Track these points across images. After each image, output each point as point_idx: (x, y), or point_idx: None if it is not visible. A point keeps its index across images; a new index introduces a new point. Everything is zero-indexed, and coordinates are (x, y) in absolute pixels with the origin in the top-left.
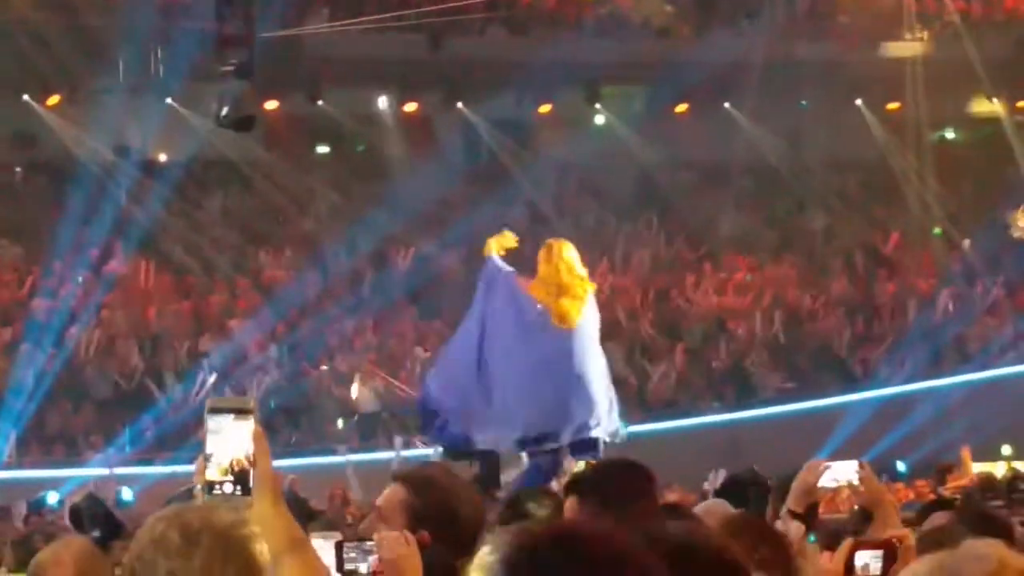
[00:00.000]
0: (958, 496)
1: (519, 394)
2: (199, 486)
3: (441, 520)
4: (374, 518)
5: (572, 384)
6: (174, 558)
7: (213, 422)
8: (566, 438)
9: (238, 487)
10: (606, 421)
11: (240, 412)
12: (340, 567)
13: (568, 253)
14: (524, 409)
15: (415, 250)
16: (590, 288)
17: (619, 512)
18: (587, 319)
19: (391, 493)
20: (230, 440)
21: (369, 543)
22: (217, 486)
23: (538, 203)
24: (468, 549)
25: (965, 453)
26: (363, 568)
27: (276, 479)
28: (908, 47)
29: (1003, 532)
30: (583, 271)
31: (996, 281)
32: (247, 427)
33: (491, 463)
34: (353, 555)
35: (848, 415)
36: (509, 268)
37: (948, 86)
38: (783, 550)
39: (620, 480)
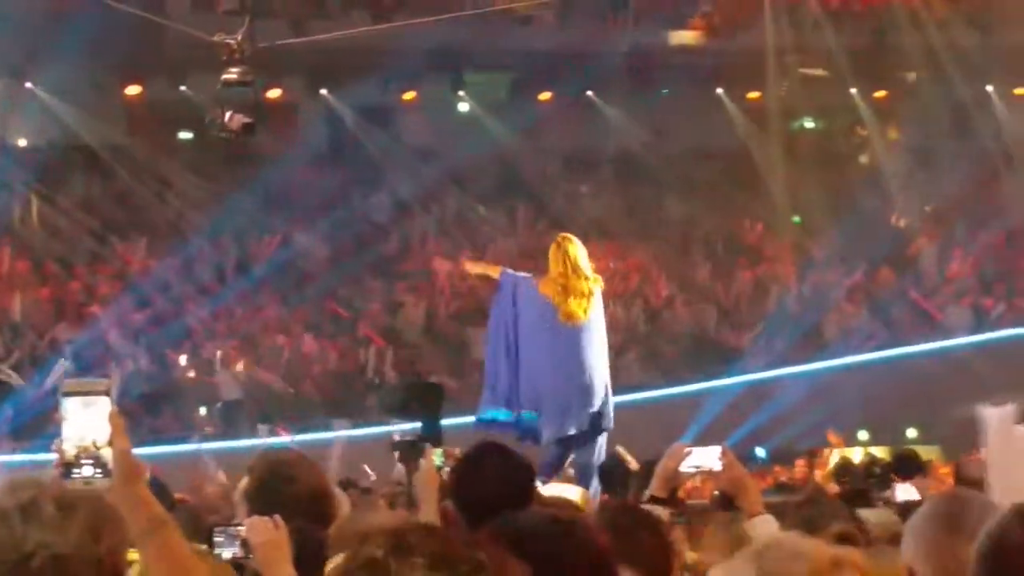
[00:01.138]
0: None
1: (544, 391)
2: (57, 470)
3: (288, 500)
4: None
5: (580, 379)
6: (48, 530)
7: (68, 406)
8: (572, 431)
9: (97, 470)
10: (608, 415)
11: (94, 394)
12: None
13: (574, 250)
14: (547, 404)
15: (279, 237)
16: (596, 284)
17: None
18: (594, 315)
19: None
20: (86, 423)
21: (239, 527)
22: (75, 469)
23: (401, 190)
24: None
25: (831, 437)
26: (227, 553)
27: (134, 460)
28: (767, 36)
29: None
30: (588, 267)
31: (854, 269)
32: (103, 409)
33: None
34: (221, 539)
35: (710, 401)
36: (525, 274)
37: (808, 75)
38: (660, 534)
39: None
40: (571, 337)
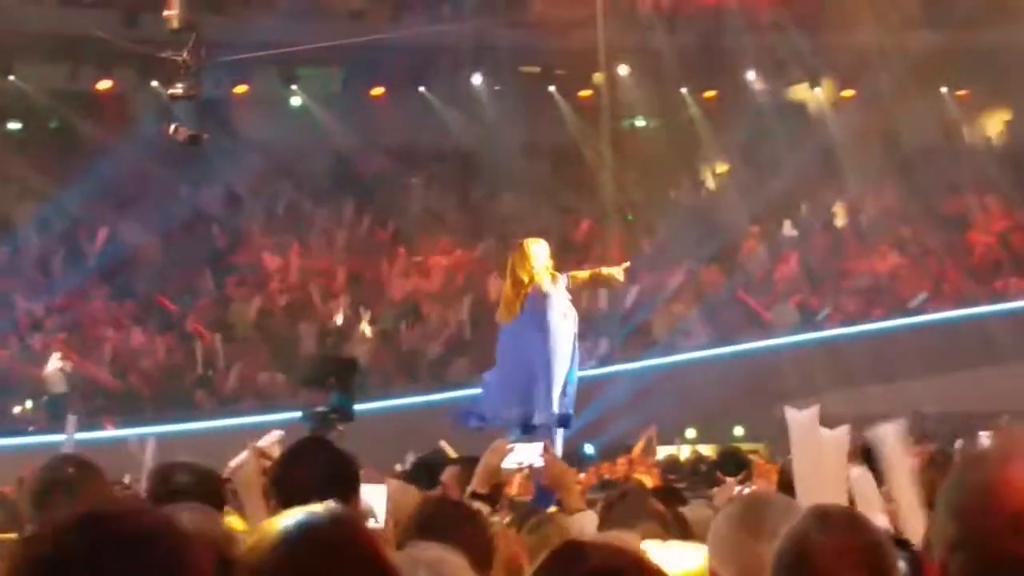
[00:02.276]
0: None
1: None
2: None
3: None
4: None
5: (513, 373)
6: None
7: None
8: (512, 423)
9: None
10: (543, 408)
11: None
12: None
13: (520, 252)
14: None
15: (108, 229)
16: (538, 281)
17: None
18: (528, 313)
19: None
20: None
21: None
22: None
23: (234, 184)
24: None
25: (652, 433)
26: None
27: None
28: (601, 36)
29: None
30: (534, 266)
31: (683, 268)
32: None
33: None
34: None
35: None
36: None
37: (638, 75)
38: (480, 529)
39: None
40: (505, 332)
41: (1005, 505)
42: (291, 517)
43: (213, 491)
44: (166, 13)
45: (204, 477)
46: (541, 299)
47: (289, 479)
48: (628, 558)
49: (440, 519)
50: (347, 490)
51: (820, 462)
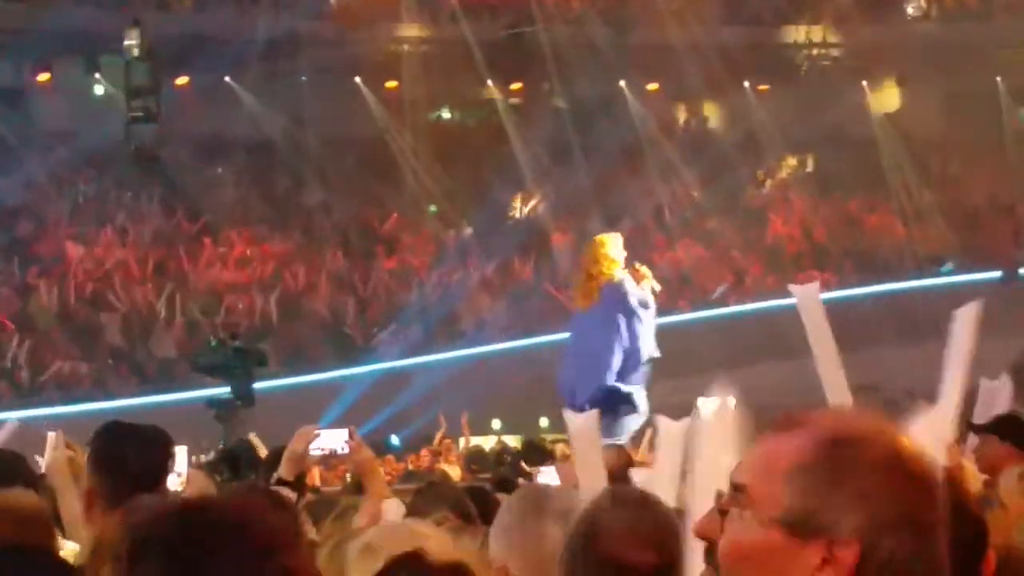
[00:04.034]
0: None
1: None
2: None
3: None
4: None
5: (586, 356)
6: None
7: None
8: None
9: None
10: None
11: None
12: None
13: (595, 245)
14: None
15: None
16: (611, 274)
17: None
18: (603, 303)
19: None
20: None
21: None
22: None
23: (36, 174)
24: None
25: (463, 420)
26: None
27: None
28: (403, 27)
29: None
30: (609, 259)
31: (489, 260)
32: None
33: None
34: None
35: (346, 390)
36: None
37: (445, 67)
38: (288, 513)
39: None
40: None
41: None
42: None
43: (12, 473)
44: None
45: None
46: (615, 290)
47: (108, 462)
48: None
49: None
50: (161, 465)
51: (597, 465)
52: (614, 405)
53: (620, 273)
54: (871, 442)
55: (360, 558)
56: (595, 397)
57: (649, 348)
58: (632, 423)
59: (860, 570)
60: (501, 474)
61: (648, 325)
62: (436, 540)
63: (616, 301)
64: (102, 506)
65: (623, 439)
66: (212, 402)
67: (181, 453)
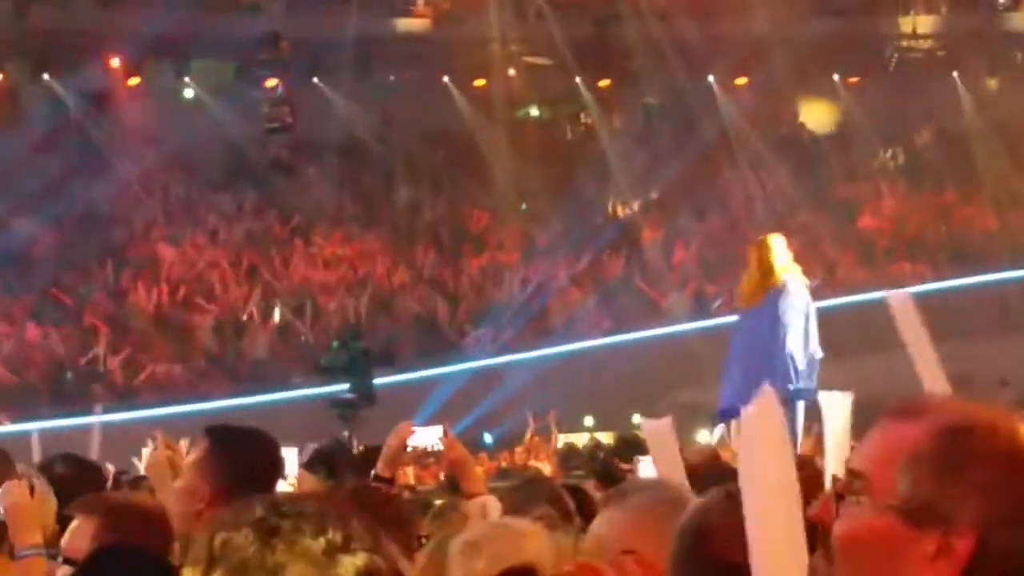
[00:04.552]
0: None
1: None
2: None
3: None
4: None
5: (750, 359)
6: None
7: None
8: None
9: None
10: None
11: None
12: None
13: (763, 246)
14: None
15: (1, 224)
16: (779, 277)
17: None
18: (769, 305)
19: None
20: None
21: None
22: None
23: (127, 178)
24: None
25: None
26: None
27: None
28: (491, 24)
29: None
30: (776, 262)
31: (579, 257)
32: None
33: None
34: None
35: (439, 388)
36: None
37: (533, 64)
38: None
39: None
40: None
41: None
42: None
43: (93, 480)
44: None
45: (84, 467)
46: (782, 293)
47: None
48: None
49: (362, 501)
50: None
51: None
52: (788, 404)
53: (789, 273)
54: (991, 432)
55: (462, 556)
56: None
57: (815, 346)
58: (800, 421)
59: (975, 562)
60: (596, 470)
61: (814, 324)
62: (535, 537)
63: (788, 302)
64: (215, 508)
65: (798, 437)
66: (335, 402)
67: (291, 455)
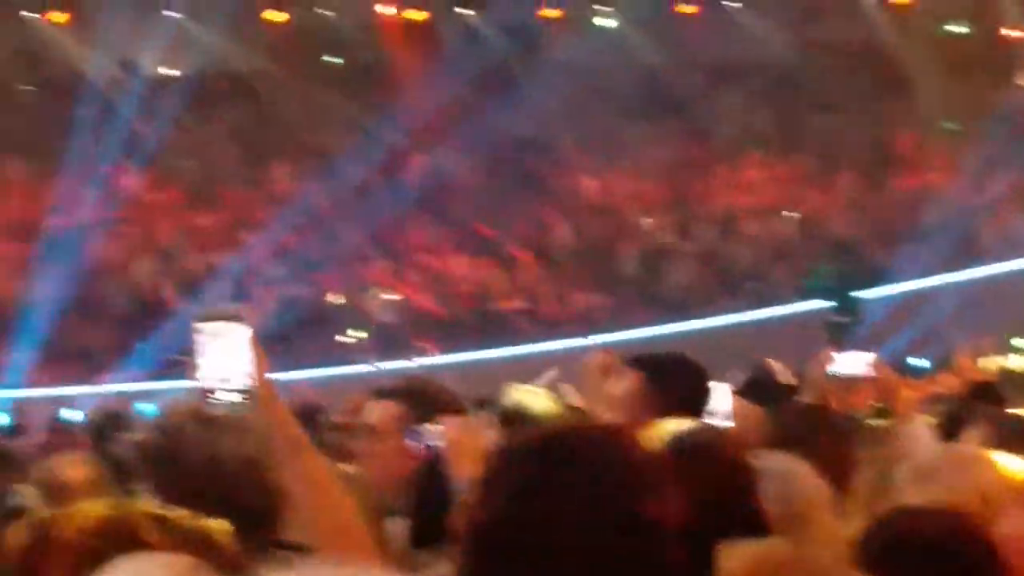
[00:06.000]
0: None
1: None
2: (199, 396)
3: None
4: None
5: None
6: (232, 438)
7: (205, 332)
8: None
9: (236, 394)
10: None
11: (231, 320)
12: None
13: None
14: None
15: (425, 158)
16: None
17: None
18: None
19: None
20: (224, 348)
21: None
22: (216, 394)
23: (546, 108)
24: None
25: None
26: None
27: (271, 383)
28: None
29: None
30: None
31: (1013, 173)
32: (240, 335)
33: None
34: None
35: (865, 313)
36: None
37: None
38: (841, 440)
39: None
40: None
41: None
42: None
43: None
44: None
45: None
46: None
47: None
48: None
49: (796, 429)
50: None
51: None
52: None
53: None
54: None
55: (915, 482)
56: None
57: None
58: None
59: None
60: None
61: None
62: (988, 464)
63: None
64: None
65: None
66: (829, 324)
67: (722, 389)
